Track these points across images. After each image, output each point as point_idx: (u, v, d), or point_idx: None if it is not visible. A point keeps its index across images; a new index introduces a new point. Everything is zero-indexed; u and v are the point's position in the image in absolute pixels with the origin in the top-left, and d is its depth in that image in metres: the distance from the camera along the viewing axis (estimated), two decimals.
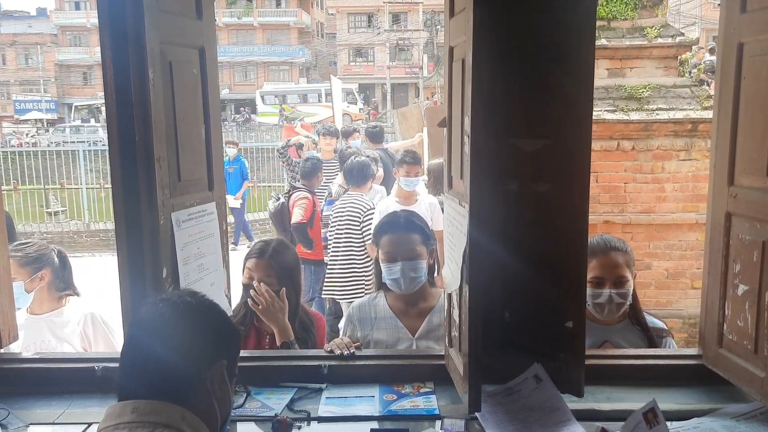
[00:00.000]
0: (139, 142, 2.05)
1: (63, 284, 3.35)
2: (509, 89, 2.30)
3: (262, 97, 43.65)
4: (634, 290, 2.83)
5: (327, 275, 6.17)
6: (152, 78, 2.06)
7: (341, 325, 3.20)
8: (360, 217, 6.02)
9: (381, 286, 3.04)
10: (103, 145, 25.79)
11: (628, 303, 2.82)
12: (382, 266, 2.95)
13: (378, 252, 3.02)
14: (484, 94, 2.08)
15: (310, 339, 3.03)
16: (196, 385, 1.56)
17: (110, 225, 14.56)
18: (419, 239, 2.95)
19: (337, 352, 2.65)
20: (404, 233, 2.95)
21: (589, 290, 2.75)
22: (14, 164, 17.82)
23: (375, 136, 9.28)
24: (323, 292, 6.27)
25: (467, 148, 2.12)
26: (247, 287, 2.96)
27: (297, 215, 6.73)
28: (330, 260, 6.16)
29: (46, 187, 16.53)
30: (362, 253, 5.99)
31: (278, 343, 2.89)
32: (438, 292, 3.02)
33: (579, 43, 2.24)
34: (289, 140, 8.67)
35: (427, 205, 5.87)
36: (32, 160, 17.58)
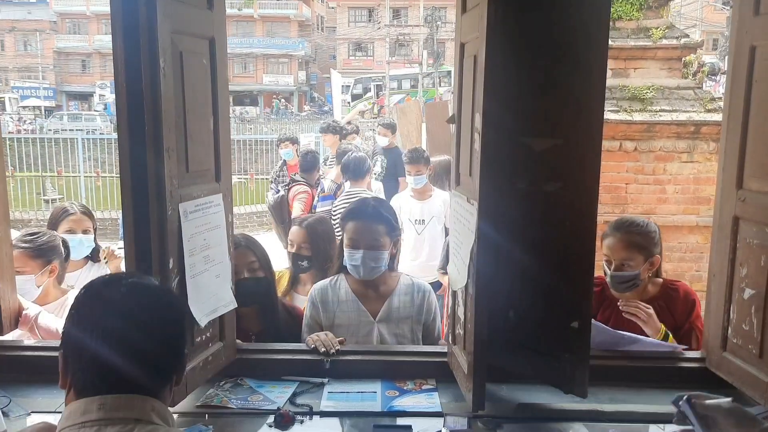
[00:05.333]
0: (149, 132, 2.03)
1: (65, 274, 3.32)
2: (520, 87, 2.28)
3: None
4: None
5: None
6: (163, 68, 2.04)
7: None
8: None
9: (341, 269, 3.07)
10: (101, 134, 25.75)
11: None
12: (345, 251, 2.97)
13: (343, 236, 3.04)
14: (496, 91, 2.07)
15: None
16: (166, 375, 1.49)
17: (107, 214, 14.53)
18: (384, 230, 2.97)
19: (322, 349, 2.64)
20: (370, 222, 2.96)
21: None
22: (11, 151, 17.70)
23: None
24: None
25: (477, 146, 2.11)
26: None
27: (297, 209, 6.73)
28: None
29: (43, 174, 16.47)
30: None
31: None
32: (397, 276, 3.06)
33: (592, 44, 2.23)
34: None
35: (441, 201, 5.85)
36: (30, 147, 17.49)
